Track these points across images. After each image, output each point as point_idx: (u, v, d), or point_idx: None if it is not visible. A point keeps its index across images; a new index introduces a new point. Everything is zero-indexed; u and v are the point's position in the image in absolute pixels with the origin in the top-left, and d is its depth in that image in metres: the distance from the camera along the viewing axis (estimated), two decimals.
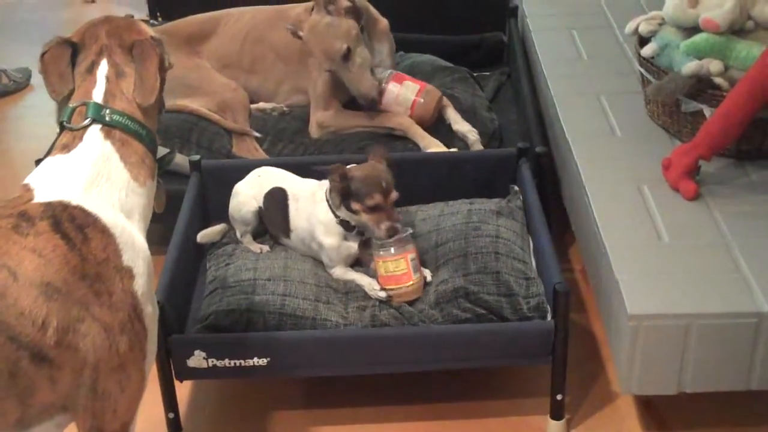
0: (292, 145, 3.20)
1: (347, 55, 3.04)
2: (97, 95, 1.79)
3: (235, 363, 2.35)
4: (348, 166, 2.50)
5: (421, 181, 2.87)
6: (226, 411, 2.63)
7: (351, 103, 3.22)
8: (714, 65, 2.63)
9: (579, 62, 3.37)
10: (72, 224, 1.64)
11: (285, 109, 3.37)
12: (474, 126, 3.15)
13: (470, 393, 2.62)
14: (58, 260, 1.59)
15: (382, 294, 2.47)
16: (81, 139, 1.75)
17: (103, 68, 1.81)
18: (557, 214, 2.94)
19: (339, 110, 3.23)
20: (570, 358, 2.37)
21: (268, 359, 2.35)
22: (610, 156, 2.75)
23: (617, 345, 2.26)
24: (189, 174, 2.89)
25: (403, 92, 3.16)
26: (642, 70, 2.87)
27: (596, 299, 2.55)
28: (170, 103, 3.28)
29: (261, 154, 3.15)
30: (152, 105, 1.82)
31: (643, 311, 2.16)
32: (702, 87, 2.65)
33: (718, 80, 2.64)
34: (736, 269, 2.27)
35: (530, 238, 2.67)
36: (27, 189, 1.70)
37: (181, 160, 3.04)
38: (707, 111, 2.62)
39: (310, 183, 2.66)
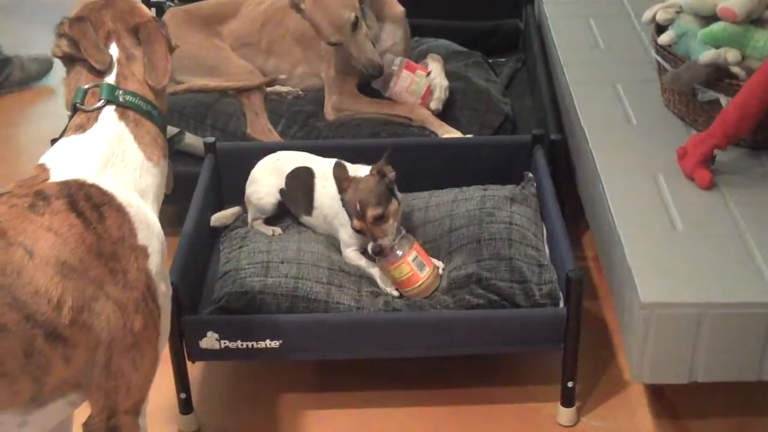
0: (306, 128, 3.20)
1: (356, 24, 3.03)
2: (109, 77, 1.80)
3: (247, 345, 2.36)
4: (351, 178, 2.52)
5: (435, 166, 2.87)
6: (238, 392, 2.64)
7: (366, 87, 3.22)
8: (731, 54, 2.62)
9: (595, 50, 3.35)
10: (88, 203, 1.65)
11: (300, 92, 3.37)
12: (488, 109, 3.16)
13: (481, 379, 2.62)
14: (73, 239, 1.60)
15: (395, 292, 2.49)
16: (96, 119, 1.76)
17: (113, 52, 1.82)
18: (571, 202, 2.94)
19: (354, 94, 3.23)
20: (582, 346, 2.37)
21: (280, 341, 2.35)
22: (625, 144, 2.75)
23: (629, 333, 2.26)
24: (203, 155, 2.89)
25: (416, 81, 3.16)
26: (658, 59, 2.86)
27: (609, 287, 2.55)
28: (187, 82, 3.31)
29: (275, 136, 3.15)
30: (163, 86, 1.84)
31: (655, 300, 2.15)
32: (719, 76, 2.63)
33: (735, 69, 2.62)
34: (750, 259, 2.26)
35: (544, 226, 2.67)
36: (43, 169, 1.71)
37: (195, 141, 3.05)
38: (723, 100, 2.61)
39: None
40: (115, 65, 1.80)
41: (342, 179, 2.51)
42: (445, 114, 3.16)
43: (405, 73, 3.17)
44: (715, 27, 2.65)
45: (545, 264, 2.47)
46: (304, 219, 2.70)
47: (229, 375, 2.69)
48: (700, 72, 2.64)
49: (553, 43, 3.43)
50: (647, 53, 3.21)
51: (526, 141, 2.89)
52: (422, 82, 3.16)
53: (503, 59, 3.74)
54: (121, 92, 1.77)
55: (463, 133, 3.08)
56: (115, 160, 1.73)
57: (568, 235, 2.48)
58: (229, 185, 2.83)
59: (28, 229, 1.58)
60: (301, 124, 3.22)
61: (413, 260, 2.47)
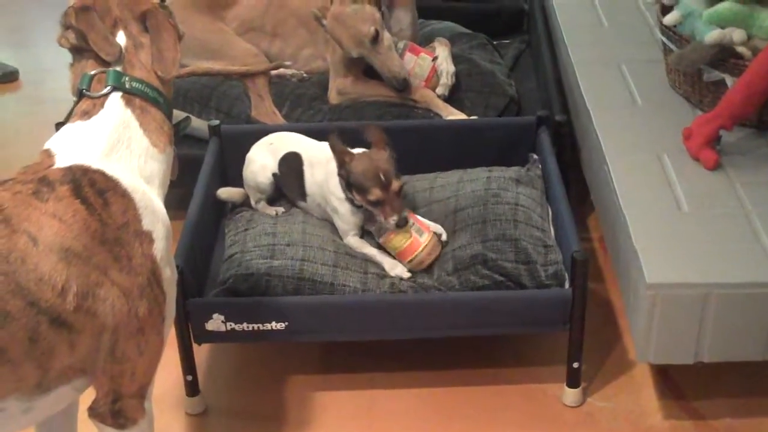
0: (310, 111, 3.19)
1: (376, 38, 3.04)
2: (116, 64, 1.78)
3: (253, 327, 2.36)
4: (353, 152, 2.49)
5: (440, 148, 2.87)
6: (244, 374, 2.65)
7: (370, 70, 3.22)
8: (737, 34, 2.61)
9: (600, 30, 3.35)
10: (92, 189, 1.64)
11: (304, 75, 3.36)
12: (492, 91, 3.15)
13: (487, 360, 2.63)
14: (78, 225, 1.59)
15: (406, 274, 2.49)
16: (102, 106, 1.75)
17: (120, 40, 1.80)
18: (576, 183, 2.94)
19: (359, 78, 3.22)
20: (587, 327, 2.37)
21: (286, 324, 2.36)
22: (631, 125, 2.74)
23: (635, 314, 2.26)
24: (208, 139, 2.89)
25: (419, 64, 3.16)
26: (664, 39, 2.85)
27: (614, 268, 2.55)
28: (191, 65, 3.31)
29: (279, 119, 3.15)
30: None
31: (661, 280, 2.15)
32: (724, 56, 2.63)
33: (741, 49, 2.62)
34: (755, 239, 2.26)
35: (549, 207, 2.66)
36: (48, 155, 1.70)
37: (199, 124, 3.05)
38: (729, 80, 2.61)
39: (326, 148, 2.62)
40: (123, 53, 1.79)
41: (342, 153, 2.49)
42: (450, 96, 3.16)
43: (408, 55, 3.17)
44: (721, 7, 2.64)
45: (551, 245, 2.47)
46: (301, 205, 2.70)
47: (235, 357, 2.70)
48: (705, 52, 2.63)
49: (558, 24, 3.42)
50: (652, 33, 3.20)
51: (530, 122, 2.88)
52: (426, 65, 3.16)
53: (508, 41, 3.74)
54: (127, 79, 1.76)
55: (468, 114, 3.08)
56: (120, 146, 1.72)
57: (573, 216, 2.48)
58: (234, 168, 2.83)
59: (32, 215, 1.58)
60: (306, 106, 3.21)
61: (411, 225, 2.48)
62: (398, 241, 2.49)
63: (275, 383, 2.59)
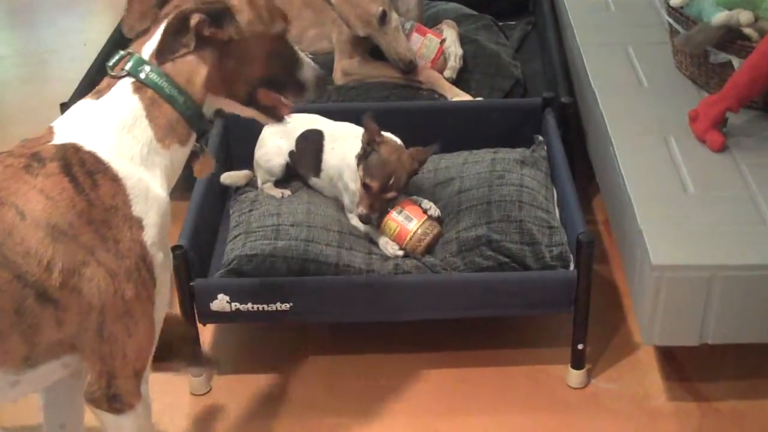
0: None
1: (383, 18, 3.02)
2: (147, 51, 1.73)
3: (257, 307, 2.36)
4: (382, 134, 2.49)
5: (445, 130, 2.86)
6: (249, 355, 2.65)
7: (376, 51, 3.21)
8: (744, 16, 2.60)
9: (606, 12, 3.33)
10: (82, 168, 1.62)
11: (309, 56, 3.35)
12: (498, 72, 3.15)
13: (492, 341, 2.63)
14: (64, 203, 1.58)
15: (399, 252, 2.50)
16: (110, 88, 1.72)
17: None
18: (581, 165, 2.93)
19: (364, 58, 3.22)
20: (592, 309, 2.37)
21: (291, 304, 2.36)
22: (637, 107, 2.74)
23: (640, 295, 2.26)
24: (211, 120, 2.89)
25: (426, 45, 3.15)
26: (670, 20, 2.84)
27: (619, 250, 2.55)
28: None
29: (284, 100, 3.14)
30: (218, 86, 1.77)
31: (666, 262, 2.15)
32: (731, 38, 2.61)
33: (748, 31, 2.60)
34: (761, 221, 2.25)
35: (554, 188, 2.66)
36: (50, 131, 1.70)
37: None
38: (736, 62, 2.60)
39: (349, 126, 2.66)
40: (155, 40, 1.72)
41: (375, 131, 2.48)
42: (456, 78, 3.15)
43: (415, 36, 3.16)
44: None
45: (556, 226, 2.47)
46: (313, 181, 2.70)
47: (239, 337, 2.70)
48: (712, 34, 2.62)
49: (564, 6, 3.41)
50: (659, 15, 3.19)
51: (536, 104, 2.88)
52: (432, 46, 3.15)
53: (513, 22, 3.73)
54: (147, 68, 1.70)
55: (473, 96, 3.07)
56: (121, 131, 1.68)
57: (578, 197, 2.48)
58: (239, 149, 2.83)
59: (20, 189, 1.58)
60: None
61: (398, 215, 2.48)
62: (389, 228, 2.51)
63: (280, 364, 2.59)
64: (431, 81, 3.11)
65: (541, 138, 2.79)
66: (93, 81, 3.19)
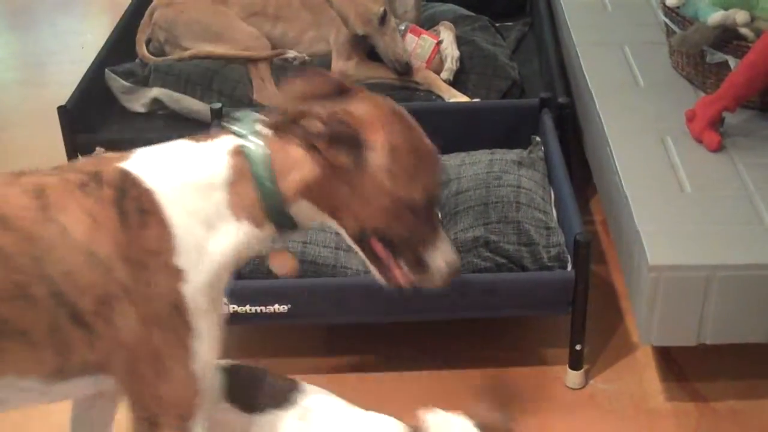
0: None
1: (384, 18, 3.03)
2: (265, 129, 1.59)
3: (255, 309, 2.36)
4: None
5: (442, 131, 2.83)
6: (247, 356, 2.64)
7: (372, 52, 3.21)
8: (740, 15, 2.60)
9: (603, 12, 3.34)
10: (135, 203, 1.55)
11: (306, 58, 3.35)
12: (495, 73, 3.15)
13: (489, 342, 2.63)
14: (106, 233, 1.53)
15: None
16: (212, 138, 1.62)
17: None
18: (579, 165, 2.93)
19: (361, 60, 3.22)
20: (589, 309, 2.37)
21: (289, 306, 2.36)
22: (633, 107, 2.74)
23: (637, 296, 2.26)
24: (210, 122, 2.89)
25: (421, 45, 3.16)
26: (667, 20, 2.84)
27: (617, 250, 2.55)
28: (193, 48, 3.32)
29: None
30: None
31: (664, 262, 2.15)
32: (727, 37, 2.62)
33: (744, 31, 2.61)
34: (758, 221, 2.26)
35: (551, 189, 2.66)
36: (128, 154, 1.63)
37: (202, 107, 3.04)
38: (732, 62, 2.60)
39: None
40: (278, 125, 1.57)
41: None
42: (453, 78, 3.16)
43: (410, 36, 3.17)
44: None
45: (553, 227, 2.47)
46: None
47: (238, 339, 2.70)
48: (708, 34, 2.63)
49: (561, 6, 3.41)
50: (655, 15, 3.19)
51: (533, 104, 2.88)
52: (427, 46, 3.16)
53: (510, 23, 3.73)
54: (252, 138, 1.58)
55: (471, 97, 3.08)
56: (193, 183, 1.58)
57: (575, 198, 2.48)
58: None
59: (70, 207, 1.53)
60: None
61: None
62: None
63: (278, 366, 2.59)
64: (428, 82, 3.11)
65: (538, 139, 2.79)
66: (91, 84, 3.23)
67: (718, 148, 2.49)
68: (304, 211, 1.62)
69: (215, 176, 1.58)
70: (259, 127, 1.59)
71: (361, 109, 1.59)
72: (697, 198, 2.35)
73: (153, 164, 1.60)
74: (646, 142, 2.56)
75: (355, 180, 1.57)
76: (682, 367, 2.53)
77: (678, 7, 2.77)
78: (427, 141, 1.65)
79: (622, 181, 2.42)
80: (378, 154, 1.56)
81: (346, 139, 1.54)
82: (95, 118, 3.22)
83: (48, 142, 3.27)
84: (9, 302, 1.50)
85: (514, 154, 2.72)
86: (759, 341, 2.26)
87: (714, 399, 2.43)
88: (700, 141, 2.52)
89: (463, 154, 2.78)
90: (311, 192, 1.59)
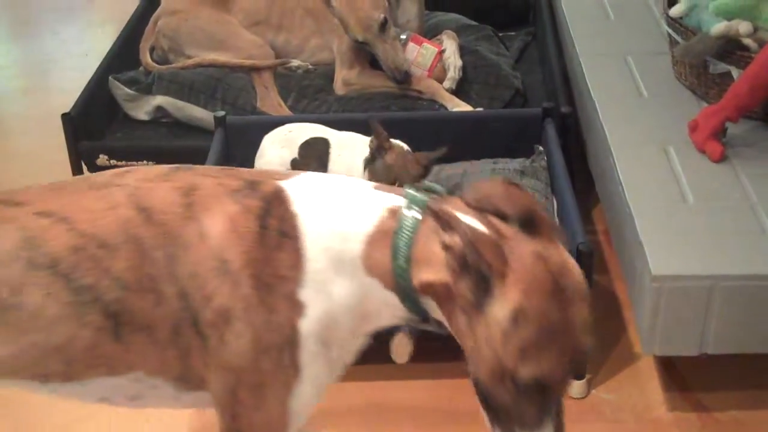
0: (316, 102, 3.20)
1: (384, 25, 3.04)
2: (440, 212, 1.42)
3: None
4: (390, 141, 2.49)
5: (445, 140, 2.86)
6: None
7: (376, 61, 3.22)
8: (743, 26, 2.61)
9: (606, 22, 3.34)
10: (277, 223, 1.50)
11: (310, 66, 3.36)
12: (498, 83, 3.15)
13: None
14: (242, 244, 1.49)
15: None
16: (386, 190, 1.55)
17: (472, 220, 1.43)
18: (581, 175, 2.93)
19: (365, 69, 3.23)
20: (592, 319, 2.37)
21: None
22: (636, 117, 2.74)
23: (640, 306, 2.26)
24: (213, 129, 2.89)
25: (422, 54, 3.16)
26: (670, 31, 2.84)
27: (619, 260, 2.55)
28: (197, 56, 3.32)
29: (285, 110, 3.16)
30: None
31: (666, 272, 2.15)
32: (730, 48, 2.62)
33: (747, 41, 2.61)
34: (761, 231, 2.26)
35: (554, 199, 2.66)
36: (294, 173, 1.60)
37: (205, 115, 3.05)
38: (735, 72, 2.60)
39: (354, 134, 2.66)
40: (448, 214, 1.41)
41: (384, 137, 2.47)
42: (456, 88, 3.16)
43: (411, 45, 3.18)
44: None
45: None
46: None
47: None
48: (711, 44, 2.63)
49: (564, 16, 3.42)
50: (658, 25, 3.20)
51: (536, 114, 2.88)
52: (428, 55, 3.16)
53: (513, 33, 3.74)
54: (411, 212, 1.48)
55: (473, 106, 3.08)
56: (336, 220, 1.51)
57: (578, 208, 2.48)
58: (239, 159, 2.83)
59: (214, 210, 1.50)
60: (311, 98, 3.22)
61: None
62: None
63: None
64: (432, 91, 3.12)
65: (541, 148, 2.80)
66: (95, 91, 3.23)
67: (721, 159, 2.50)
68: (433, 307, 1.50)
69: (360, 225, 1.50)
70: (431, 203, 1.47)
71: (520, 252, 1.38)
72: (699, 208, 2.35)
73: (310, 191, 1.55)
74: (649, 152, 2.56)
75: (473, 316, 1.41)
76: (684, 377, 2.53)
77: (681, 18, 2.78)
78: (578, 332, 1.40)
79: (624, 191, 2.42)
80: (501, 309, 1.37)
81: (475, 274, 1.37)
82: (99, 126, 3.23)
83: (52, 149, 3.28)
84: (139, 294, 1.49)
85: (516, 164, 2.72)
86: (762, 351, 2.26)
87: (717, 409, 2.43)
88: (702, 151, 2.53)
89: (466, 164, 2.78)
90: (436, 295, 1.47)
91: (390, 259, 1.47)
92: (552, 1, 3.70)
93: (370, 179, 2.44)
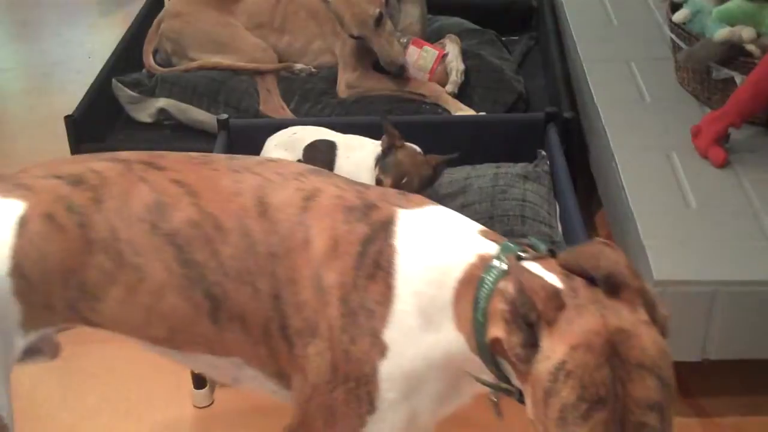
0: (318, 105, 3.20)
1: (379, 20, 3.04)
2: (527, 273, 1.30)
3: None
4: (402, 141, 2.50)
5: (447, 144, 2.86)
6: None
7: (379, 65, 3.22)
8: (746, 32, 2.61)
9: (609, 27, 3.34)
10: (376, 253, 1.46)
11: (312, 69, 3.36)
12: (501, 87, 3.16)
13: None
14: (339, 264, 1.46)
15: None
16: (486, 236, 1.49)
17: (560, 283, 1.31)
18: (584, 180, 2.93)
19: (367, 72, 3.23)
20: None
21: None
22: (639, 122, 2.74)
23: None
24: (216, 132, 2.89)
25: (423, 56, 3.17)
26: (673, 36, 2.85)
27: None
28: (200, 59, 3.33)
29: (287, 113, 3.16)
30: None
31: (668, 277, 2.15)
32: (733, 54, 2.63)
33: (750, 47, 2.62)
34: (763, 237, 2.26)
35: (557, 203, 2.66)
36: (418, 203, 1.56)
37: (208, 118, 3.05)
38: (738, 78, 2.60)
39: (361, 137, 2.67)
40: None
41: (395, 135, 2.49)
42: (458, 92, 3.16)
43: (412, 48, 3.18)
44: (730, 4, 2.64)
45: (558, 241, 2.47)
46: None
47: None
48: (714, 50, 2.63)
49: (567, 21, 3.42)
50: (661, 31, 3.20)
51: (539, 119, 2.88)
52: (429, 57, 3.17)
53: (516, 37, 3.74)
54: (497, 264, 1.38)
55: (476, 110, 3.08)
56: (432, 264, 1.45)
57: (580, 212, 2.47)
58: None
59: (324, 221, 1.49)
60: (314, 101, 3.22)
61: None
62: None
63: None
64: (435, 95, 3.12)
65: (543, 153, 2.80)
66: (98, 93, 3.23)
67: (724, 164, 2.50)
68: (508, 368, 1.37)
69: (452, 269, 1.42)
70: (524, 257, 1.38)
71: (583, 310, 1.26)
72: (702, 213, 2.35)
73: (416, 226, 1.50)
74: (652, 158, 2.56)
75: (524, 371, 1.29)
76: (686, 382, 2.52)
77: (684, 23, 2.78)
78: (634, 407, 1.28)
79: (627, 196, 2.42)
80: (545, 363, 1.24)
81: (524, 328, 1.27)
82: (102, 128, 3.23)
83: (54, 151, 3.27)
84: (237, 283, 1.51)
85: (519, 168, 2.72)
86: (764, 357, 2.26)
87: (718, 415, 2.42)
88: (705, 157, 2.53)
89: (468, 168, 2.78)
90: (501, 353, 1.34)
91: (470, 309, 1.38)
92: (555, 5, 3.71)
93: (380, 176, 2.45)
